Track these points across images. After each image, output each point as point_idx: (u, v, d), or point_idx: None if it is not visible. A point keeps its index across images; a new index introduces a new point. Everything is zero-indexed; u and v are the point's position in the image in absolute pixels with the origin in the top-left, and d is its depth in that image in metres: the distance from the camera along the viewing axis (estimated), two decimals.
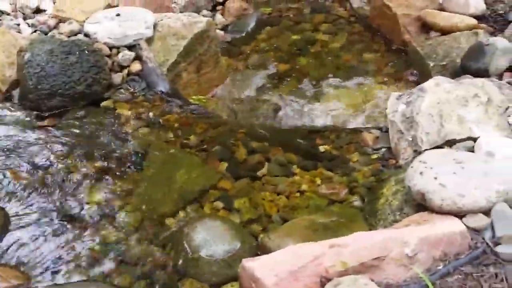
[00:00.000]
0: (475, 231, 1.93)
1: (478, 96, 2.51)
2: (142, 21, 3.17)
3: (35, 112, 2.83)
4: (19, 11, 3.47)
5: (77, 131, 2.74)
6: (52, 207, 2.34)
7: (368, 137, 2.75)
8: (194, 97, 3.19)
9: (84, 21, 3.20)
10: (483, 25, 3.27)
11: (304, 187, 2.50)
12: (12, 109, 2.85)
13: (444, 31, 3.27)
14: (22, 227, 2.25)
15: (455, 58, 3.08)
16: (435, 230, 1.89)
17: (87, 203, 2.37)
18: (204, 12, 3.88)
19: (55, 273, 2.11)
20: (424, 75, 3.10)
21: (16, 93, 2.93)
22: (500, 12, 3.36)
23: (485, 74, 2.83)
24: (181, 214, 2.36)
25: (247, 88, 3.34)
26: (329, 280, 1.77)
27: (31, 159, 2.55)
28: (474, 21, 3.26)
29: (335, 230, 2.16)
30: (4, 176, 2.44)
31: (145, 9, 3.32)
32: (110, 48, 3.10)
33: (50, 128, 2.75)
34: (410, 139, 2.49)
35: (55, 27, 3.25)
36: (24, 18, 3.42)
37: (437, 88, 2.56)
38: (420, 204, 2.07)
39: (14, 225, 2.26)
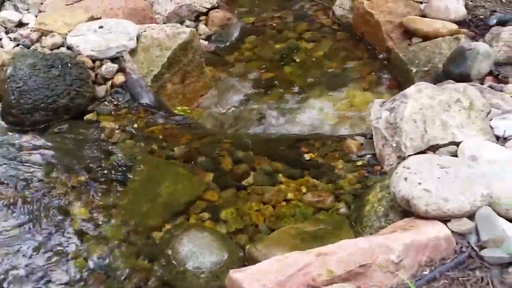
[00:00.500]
0: (460, 235, 1.95)
1: (460, 101, 2.53)
2: (125, 32, 3.17)
3: (18, 127, 2.81)
4: (1, 25, 3.45)
5: (61, 145, 2.72)
6: (35, 222, 2.32)
7: (353, 144, 2.75)
8: (179, 107, 3.19)
9: (66, 34, 3.19)
10: (464, 30, 3.31)
11: (290, 195, 2.49)
12: None
13: (426, 37, 3.30)
14: (5, 243, 2.23)
15: (437, 63, 3.11)
16: (420, 235, 1.90)
17: (71, 218, 2.35)
18: (188, 22, 3.88)
19: None
20: (407, 81, 3.12)
21: None
22: (481, 16, 3.40)
23: (467, 79, 2.86)
24: (167, 226, 2.34)
25: (232, 97, 3.35)
26: None
27: (14, 174, 2.54)
28: (455, 26, 3.30)
29: (322, 238, 2.16)
30: None
31: (128, 20, 3.32)
32: (93, 60, 3.09)
33: (33, 142, 2.72)
34: (394, 145, 2.50)
35: (38, 40, 3.23)
36: (6, 32, 3.40)
37: (420, 94, 2.57)
38: (405, 210, 2.08)
39: None
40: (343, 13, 3.96)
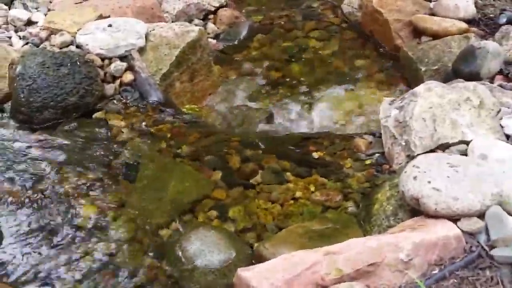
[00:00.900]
0: (470, 234, 1.94)
1: (470, 99, 2.51)
2: (134, 31, 3.17)
3: (27, 125, 2.82)
4: (10, 23, 3.46)
5: (70, 143, 2.73)
6: (45, 220, 2.32)
7: (361, 142, 2.74)
8: (187, 106, 3.19)
9: (75, 33, 3.19)
10: (474, 28, 3.28)
11: (298, 194, 2.49)
12: (4, 122, 2.84)
13: (436, 36, 3.28)
14: (15, 241, 2.24)
15: (446, 62, 3.09)
16: (430, 234, 1.89)
17: (80, 216, 2.36)
18: (196, 21, 3.87)
19: (49, 287, 2.09)
20: (416, 80, 3.10)
21: (8, 106, 2.92)
22: (491, 15, 3.37)
23: (477, 78, 2.83)
24: (175, 224, 2.34)
25: (240, 96, 3.34)
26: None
27: (23, 172, 2.54)
28: (465, 25, 3.27)
29: (330, 237, 2.16)
30: None
31: (137, 19, 3.32)
32: (102, 59, 3.09)
33: (42, 140, 2.73)
34: (404, 143, 2.49)
35: (47, 39, 3.24)
36: (16, 31, 3.41)
37: (429, 93, 2.56)
38: (414, 209, 2.07)
39: (7, 239, 2.24)
40: (352, 11, 3.94)
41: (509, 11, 3.33)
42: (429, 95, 2.55)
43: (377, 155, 2.66)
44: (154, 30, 3.27)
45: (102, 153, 2.69)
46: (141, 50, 3.15)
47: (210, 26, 3.91)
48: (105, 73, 3.07)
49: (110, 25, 3.19)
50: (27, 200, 2.42)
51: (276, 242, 2.18)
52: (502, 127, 2.45)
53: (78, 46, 3.13)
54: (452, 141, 2.39)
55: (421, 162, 2.13)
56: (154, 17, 3.63)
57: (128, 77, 3.06)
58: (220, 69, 3.52)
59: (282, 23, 4.00)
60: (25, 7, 3.61)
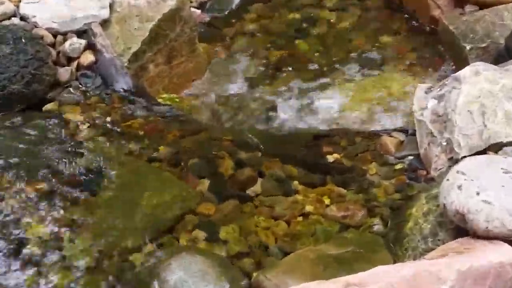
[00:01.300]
0: None
1: None
2: None
3: None
4: None
5: (13, 143, 2.72)
6: None
7: (390, 142, 2.77)
8: (164, 95, 3.22)
9: (19, 1, 3.19)
10: None
11: (308, 208, 2.51)
12: None
13: (483, 5, 3.32)
14: None
15: (498, 38, 3.12)
16: (479, 260, 1.90)
17: (27, 238, 2.34)
18: None
19: None
20: (459, 61, 3.13)
21: None
22: None
23: None
24: (150, 248, 2.34)
25: (232, 82, 3.37)
26: None
27: None
28: None
29: (351, 264, 2.18)
30: None
31: None
32: (54, 35, 3.10)
33: None
34: (444, 143, 2.51)
35: None
36: None
37: (477, 78, 2.58)
38: (459, 227, 2.09)
39: None
40: None
41: None
42: (477, 80, 2.57)
43: (410, 157, 2.69)
44: None
45: (54, 156, 2.68)
46: (105, 24, 3.17)
47: None
48: (58, 53, 3.09)
49: None
50: None
51: (280, 270, 2.18)
52: None
53: (22, 19, 3.14)
54: (507, 139, 2.42)
55: (467, 167, 2.15)
56: None
57: (88, 58, 3.08)
58: (206, 48, 3.55)
59: None
60: None
